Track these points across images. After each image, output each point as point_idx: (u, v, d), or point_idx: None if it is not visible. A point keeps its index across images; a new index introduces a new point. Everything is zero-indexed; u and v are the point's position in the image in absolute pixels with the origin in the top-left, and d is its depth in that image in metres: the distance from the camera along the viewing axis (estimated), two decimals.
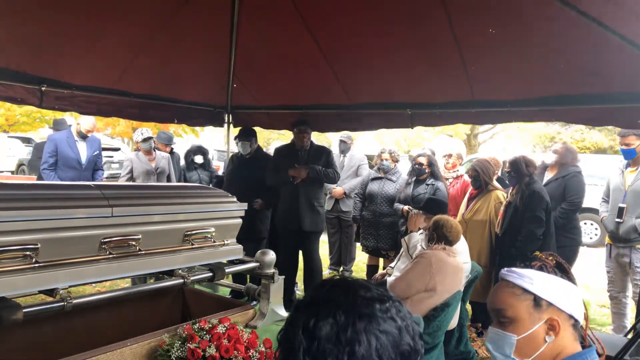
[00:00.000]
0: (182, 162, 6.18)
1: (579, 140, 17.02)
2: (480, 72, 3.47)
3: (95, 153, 5.23)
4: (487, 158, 4.58)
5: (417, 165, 4.71)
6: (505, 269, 1.26)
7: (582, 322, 1.18)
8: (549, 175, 4.29)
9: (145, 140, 5.14)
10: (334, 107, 4.54)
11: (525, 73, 3.34)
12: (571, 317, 1.14)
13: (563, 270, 1.32)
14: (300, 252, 4.63)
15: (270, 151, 6.19)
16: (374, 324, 0.79)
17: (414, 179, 4.76)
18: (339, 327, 0.78)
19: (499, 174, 4.69)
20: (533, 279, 1.18)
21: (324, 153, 4.58)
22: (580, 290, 1.25)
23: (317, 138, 13.66)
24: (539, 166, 4.25)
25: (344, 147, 6.06)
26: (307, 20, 3.60)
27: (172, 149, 5.98)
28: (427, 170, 4.67)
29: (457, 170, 5.08)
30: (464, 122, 4.20)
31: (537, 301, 1.16)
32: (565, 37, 2.93)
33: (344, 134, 6.28)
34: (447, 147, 5.32)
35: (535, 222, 3.70)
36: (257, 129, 5.00)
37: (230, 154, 5.35)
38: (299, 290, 4.98)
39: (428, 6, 3.11)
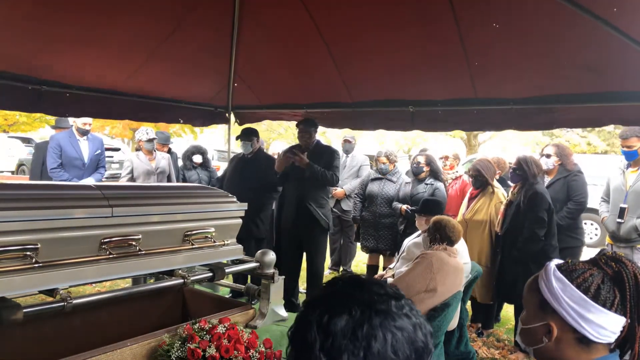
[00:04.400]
0: (180, 163, 6.18)
1: (576, 144, 16.95)
2: (482, 71, 3.47)
3: (98, 152, 5.24)
4: (490, 158, 4.57)
5: (415, 164, 4.71)
6: (555, 262, 1.18)
7: (595, 339, 1.09)
8: (548, 178, 4.27)
9: (150, 140, 5.15)
10: (336, 106, 4.53)
11: (529, 71, 3.33)
12: (576, 331, 1.10)
13: (619, 283, 1.10)
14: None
15: (270, 151, 6.19)
16: (390, 320, 0.78)
17: (412, 178, 4.76)
18: (355, 322, 0.77)
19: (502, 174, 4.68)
20: (553, 285, 1.13)
21: (325, 153, 4.50)
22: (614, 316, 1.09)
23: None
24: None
25: (349, 146, 6.06)
26: (314, 16, 3.56)
27: (170, 148, 5.98)
28: (425, 169, 4.66)
29: (456, 172, 5.07)
30: (465, 126, 4.17)
31: (542, 303, 1.15)
32: (568, 34, 2.93)
33: (348, 134, 6.28)
34: (444, 148, 5.32)
35: (538, 223, 3.69)
36: (257, 129, 4.99)
37: (232, 155, 5.35)
38: (302, 291, 4.96)
39: (434, 3, 3.10)
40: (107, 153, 12.28)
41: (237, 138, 4.88)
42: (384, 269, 4.55)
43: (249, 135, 4.73)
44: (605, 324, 1.08)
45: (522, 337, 1.21)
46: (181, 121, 4.83)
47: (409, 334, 0.79)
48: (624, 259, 1.12)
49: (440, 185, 4.63)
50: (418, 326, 0.81)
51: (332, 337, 0.77)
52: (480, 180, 4.28)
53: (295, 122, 4.75)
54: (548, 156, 4.21)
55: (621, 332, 1.10)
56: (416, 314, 0.83)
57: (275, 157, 5.43)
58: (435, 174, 4.68)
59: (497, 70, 3.46)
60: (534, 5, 2.85)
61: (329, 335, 0.77)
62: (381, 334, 0.77)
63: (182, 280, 2.30)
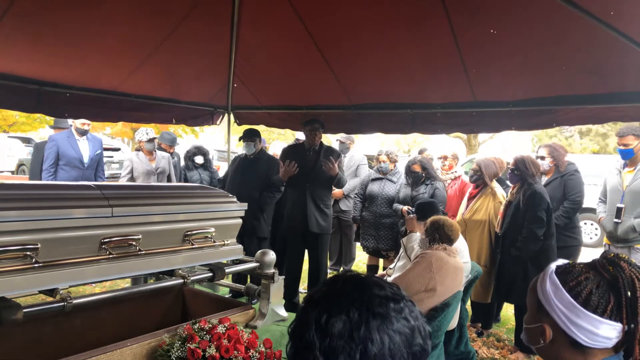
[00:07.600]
0: (182, 163, 6.19)
1: (567, 145, 17.01)
2: (481, 73, 3.47)
3: (98, 152, 5.24)
4: (492, 158, 4.57)
5: (413, 174, 4.70)
6: (558, 262, 1.16)
7: (588, 345, 1.07)
8: (545, 178, 4.27)
9: (150, 140, 5.16)
10: (334, 108, 4.53)
11: (526, 73, 3.33)
12: (569, 336, 1.08)
13: (615, 288, 1.06)
14: (307, 254, 4.61)
15: (271, 152, 6.19)
16: (388, 323, 0.79)
17: (411, 180, 4.76)
18: (352, 324, 0.78)
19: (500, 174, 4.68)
20: (546, 288, 1.12)
21: (334, 155, 4.47)
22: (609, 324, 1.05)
23: None
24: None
25: (342, 147, 6.07)
26: (306, 22, 3.59)
27: (174, 149, 6.01)
28: (423, 175, 4.67)
29: (455, 172, 5.07)
30: (464, 128, 4.18)
31: (539, 305, 1.14)
32: (566, 36, 2.93)
33: (342, 135, 6.28)
34: (442, 148, 5.31)
35: (537, 222, 3.70)
36: (257, 129, 5.00)
37: (232, 155, 5.34)
38: (303, 291, 4.96)
39: (428, 7, 3.11)
40: (107, 153, 12.34)
41: (240, 139, 4.89)
42: (384, 269, 4.55)
43: (251, 136, 4.73)
44: (596, 331, 1.05)
45: (525, 335, 1.21)
46: (174, 121, 4.83)
47: (406, 337, 0.79)
48: (622, 263, 1.07)
49: (440, 184, 4.63)
50: (417, 329, 0.81)
51: (329, 338, 0.77)
52: (479, 175, 4.28)
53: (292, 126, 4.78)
54: (542, 158, 4.22)
55: (619, 337, 1.05)
56: (416, 317, 0.83)
57: (277, 157, 5.43)
58: (431, 175, 4.68)
59: (495, 73, 3.47)
60: (532, 7, 2.84)
61: (326, 336, 0.78)
62: (378, 337, 0.77)
63: (182, 280, 2.31)
